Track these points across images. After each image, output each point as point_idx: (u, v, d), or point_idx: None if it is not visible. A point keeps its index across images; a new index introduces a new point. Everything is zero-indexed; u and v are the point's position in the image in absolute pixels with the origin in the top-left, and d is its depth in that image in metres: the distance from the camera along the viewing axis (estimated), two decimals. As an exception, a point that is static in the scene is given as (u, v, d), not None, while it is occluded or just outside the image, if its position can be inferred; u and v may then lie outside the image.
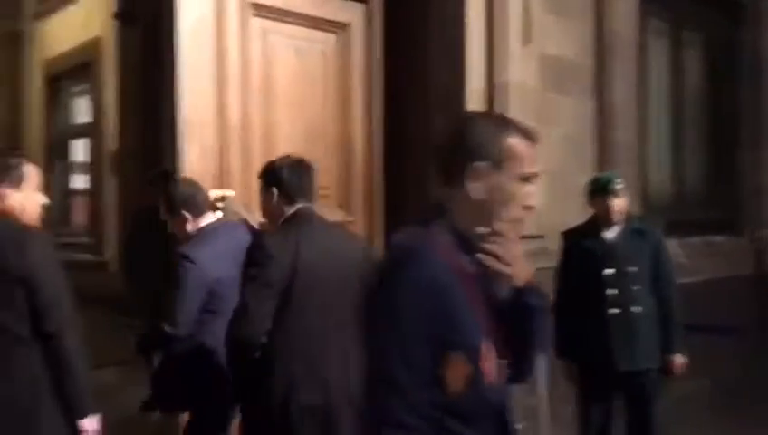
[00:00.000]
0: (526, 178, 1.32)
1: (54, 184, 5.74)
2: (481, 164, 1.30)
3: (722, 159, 5.88)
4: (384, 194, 3.91)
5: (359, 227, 3.83)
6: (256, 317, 2.16)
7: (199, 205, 2.71)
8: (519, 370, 1.40)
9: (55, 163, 6.20)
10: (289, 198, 2.35)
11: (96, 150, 5.62)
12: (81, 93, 6.12)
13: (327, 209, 3.66)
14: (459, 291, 1.27)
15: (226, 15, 3.25)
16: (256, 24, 3.39)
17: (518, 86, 3.88)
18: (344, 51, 3.76)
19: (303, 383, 2.19)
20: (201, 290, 2.55)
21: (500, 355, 1.32)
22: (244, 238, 2.49)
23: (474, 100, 3.79)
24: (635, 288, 3.07)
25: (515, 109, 3.85)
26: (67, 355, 2.05)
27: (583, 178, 4.02)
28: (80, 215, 6.11)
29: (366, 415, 1.28)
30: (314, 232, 2.32)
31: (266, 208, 2.46)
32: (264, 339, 2.19)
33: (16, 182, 2.13)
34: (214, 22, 3.21)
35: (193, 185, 2.80)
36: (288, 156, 2.51)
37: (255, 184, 3.33)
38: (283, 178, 2.36)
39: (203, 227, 2.70)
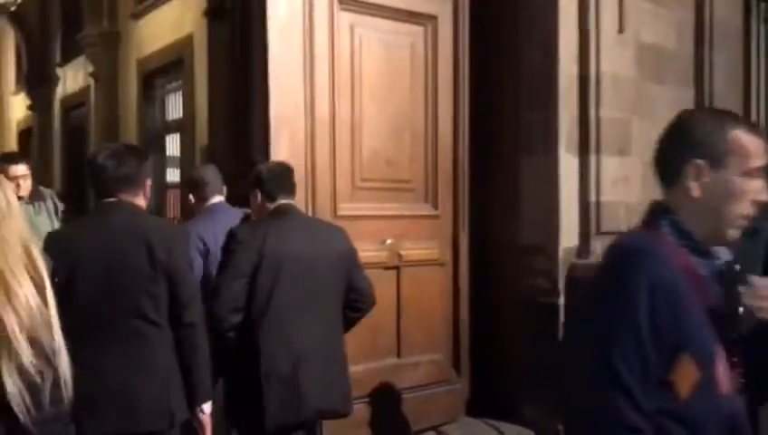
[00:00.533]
0: (753, 173, 1.27)
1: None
2: (700, 162, 1.27)
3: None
4: (470, 189, 3.85)
5: (444, 221, 3.78)
6: (224, 297, 2.37)
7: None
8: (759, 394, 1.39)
9: (150, 158, 6.41)
10: (270, 196, 2.57)
11: (188, 145, 5.79)
12: (174, 90, 6.32)
13: (411, 204, 3.66)
14: (691, 294, 1.24)
15: (315, 10, 3.27)
16: (345, 17, 3.39)
17: (613, 75, 3.73)
18: (432, 43, 3.71)
19: (275, 355, 2.39)
20: None
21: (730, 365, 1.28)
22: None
23: (566, 90, 3.67)
24: None
25: (610, 98, 3.71)
26: (200, 344, 2.18)
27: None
28: (174, 208, 6.32)
29: (582, 413, 1.26)
30: (288, 222, 2.53)
31: (254, 207, 2.69)
32: (237, 317, 2.39)
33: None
34: (303, 16, 3.23)
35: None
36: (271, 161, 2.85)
37: (343, 177, 3.38)
38: (263, 180, 2.60)
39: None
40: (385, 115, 3.54)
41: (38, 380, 0.93)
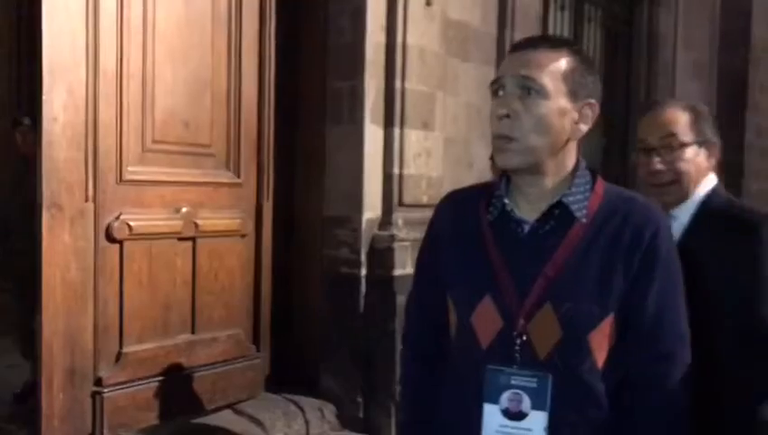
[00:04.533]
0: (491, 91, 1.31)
1: None
2: None
3: (614, 136, 6.00)
4: (274, 155, 3.70)
5: (247, 190, 3.60)
6: None
7: None
8: None
9: None
10: None
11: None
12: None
13: (211, 170, 3.44)
14: None
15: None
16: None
17: (419, 48, 3.73)
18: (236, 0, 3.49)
19: None
20: None
21: None
22: None
23: (373, 60, 3.62)
24: None
25: (415, 71, 3.71)
26: None
27: (482, 147, 3.96)
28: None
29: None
30: None
31: None
32: None
33: None
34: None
35: None
36: None
37: (132, 138, 3.08)
38: None
39: None
40: (183, 72, 3.26)
41: None
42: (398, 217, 3.66)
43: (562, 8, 5.23)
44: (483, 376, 1.27)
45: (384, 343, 3.55)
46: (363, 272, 3.62)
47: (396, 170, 3.66)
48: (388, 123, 3.66)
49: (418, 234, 3.66)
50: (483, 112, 4.29)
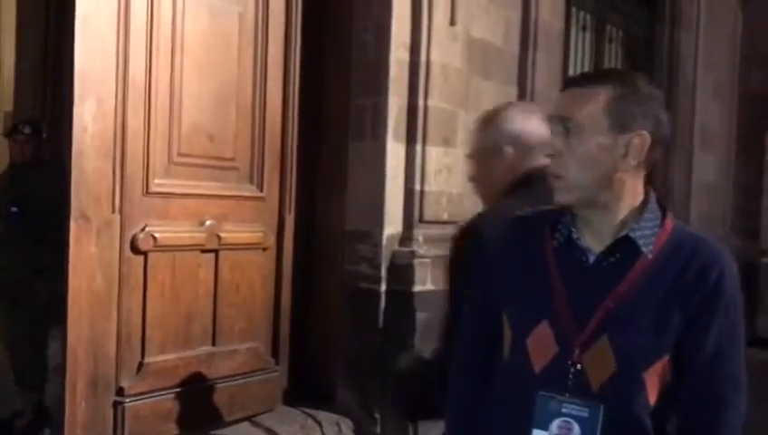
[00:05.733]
0: None
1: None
2: None
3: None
4: (297, 170, 3.73)
5: (270, 203, 3.64)
6: None
7: None
8: None
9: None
10: None
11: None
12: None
13: (235, 183, 3.47)
14: None
15: (134, -35, 2.97)
16: (165, -23, 3.12)
17: (442, 66, 3.76)
18: (263, 16, 3.53)
19: None
20: None
21: None
22: None
23: (397, 77, 3.65)
24: None
25: (438, 89, 3.74)
26: None
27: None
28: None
29: None
30: None
31: None
32: None
33: None
34: (118, -31, 2.92)
35: None
36: None
37: (158, 150, 3.12)
38: None
39: None
40: (209, 86, 3.31)
41: None
42: (419, 233, 3.67)
43: (584, 29, 5.26)
44: (534, 401, 1.27)
45: (402, 359, 3.55)
46: (383, 287, 3.63)
47: (417, 187, 3.68)
48: (410, 140, 3.68)
49: (439, 251, 3.69)
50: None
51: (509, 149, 1.76)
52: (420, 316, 3.54)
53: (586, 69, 5.15)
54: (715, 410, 1.26)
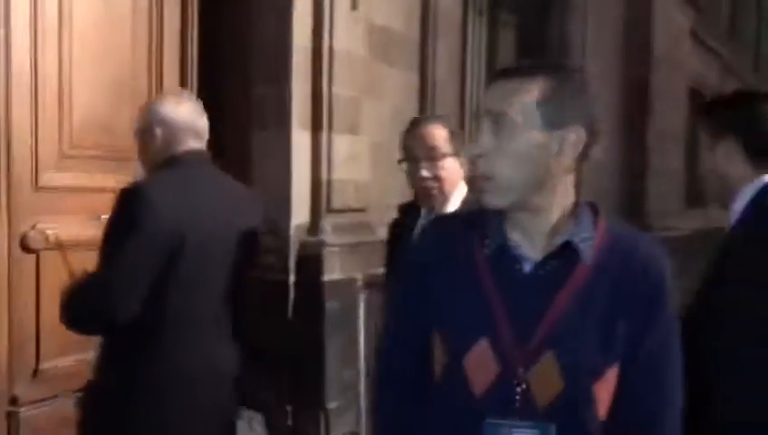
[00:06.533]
0: None
1: None
2: None
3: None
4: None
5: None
6: None
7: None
8: None
9: None
10: None
11: None
12: None
13: (132, 176, 3.30)
14: None
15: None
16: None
17: (346, 52, 3.72)
18: (157, 1, 3.37)
19: None
20: None
21: None
22: None
23: (300, 64, 3.58)
24: None
25: (342, 76, 3.70)
26: None
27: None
28: None
29: None
30: None
31: None
32: None
33: None
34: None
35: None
36: None
37: (48, 143, 2.92)
38: None
39: None
40: (102, 73, 3.12)
41: None
42: (327, 222, 3.64)
43: (480, 14, 5.35)
44: (480, 430, 1.16)
45: (312, 350, 3.52)
46: (292, 278, 3.58)
47: (324, 175, 3.64)
48: (316, 128, 3.63)
49: (347, 239, 3.67)
50: (408, 117, 4.33)
51: (158, 131, 1.96)
52: (330, 306, 3.52)
53: (482, 56, 5.26)
54: (662, 407, 1.20)
